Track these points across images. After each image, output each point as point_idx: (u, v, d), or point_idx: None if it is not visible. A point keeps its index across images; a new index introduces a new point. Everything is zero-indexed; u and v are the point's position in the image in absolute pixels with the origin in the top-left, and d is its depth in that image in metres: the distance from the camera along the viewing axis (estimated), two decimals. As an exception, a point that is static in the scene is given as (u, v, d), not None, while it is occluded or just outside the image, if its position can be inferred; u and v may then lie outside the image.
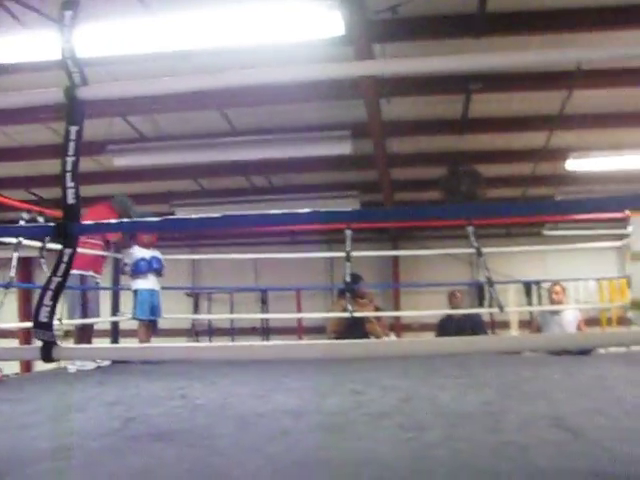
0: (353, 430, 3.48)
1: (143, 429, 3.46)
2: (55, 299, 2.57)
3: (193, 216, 4.02)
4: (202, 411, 4.04)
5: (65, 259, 2.58)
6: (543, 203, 8.84)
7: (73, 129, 2.57)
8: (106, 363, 6.72)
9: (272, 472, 2.74)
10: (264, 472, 2.76)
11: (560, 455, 2.83)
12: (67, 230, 2.63)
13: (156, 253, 7.55)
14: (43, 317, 2.53)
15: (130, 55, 5.91)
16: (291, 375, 6.07)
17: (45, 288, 2.56)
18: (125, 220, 6.21)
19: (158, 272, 7.55)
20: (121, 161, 8.77)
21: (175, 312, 10.41)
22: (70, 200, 2.62)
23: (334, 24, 5.31)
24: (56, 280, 2.55)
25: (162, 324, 7.78)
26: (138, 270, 7.36)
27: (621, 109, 8.15)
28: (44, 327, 2.54)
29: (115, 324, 8.10)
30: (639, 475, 2.47)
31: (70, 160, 2.55)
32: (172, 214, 11.57)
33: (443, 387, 5.04)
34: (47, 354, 2.60)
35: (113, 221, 5.52)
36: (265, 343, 8.62)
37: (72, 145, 2.55)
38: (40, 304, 2.56)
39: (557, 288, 8.65)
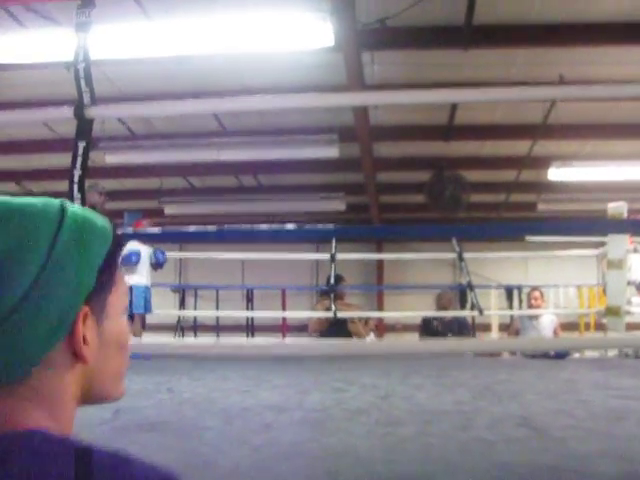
0: (332, 425, 3.68)
1: (132, 420, 3.63)
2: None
3: (190, 228, 4.22)
4: (189, 404, 4.21)
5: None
6: (525, 225, 9.09)
7: (81, 145, 2.75)
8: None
9: (256, 462, 2.93)
10: (248, 462, 2.95)
11: (523, 451, 3.04)
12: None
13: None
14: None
15: (125, 58, 6.06)
16: (274, 372, 6.25)
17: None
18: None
19: (161, 265, 7.74)
20: (113, 158, 8.92)
21: (161, 308, 10.55)
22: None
23: (324, 34, 5.49)
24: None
25: (149, 319, 7.93)
26: (127, 262, 7.48)
27: (603, 120, 8.37)
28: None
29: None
30: (592, 471, 2.69)
31: (77, 174, 2.73)
32: (161, 210, 11.73)
33: (420, 387, 5.23)
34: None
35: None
36: (250, 340, 8.82)
37: (80, 160, 2.73)
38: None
39: (536, 294, 8.87)
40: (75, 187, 2.73)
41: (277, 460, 2.96)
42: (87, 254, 0.78)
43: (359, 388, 5.10)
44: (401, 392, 4.90)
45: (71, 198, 2.76)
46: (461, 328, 8.85)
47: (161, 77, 7.28)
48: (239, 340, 9.31)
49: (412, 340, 7.61)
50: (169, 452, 2.90)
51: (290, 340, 9.02)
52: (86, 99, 2.84)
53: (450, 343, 4.54)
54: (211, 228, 3.90)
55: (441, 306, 9.39)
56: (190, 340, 8.77)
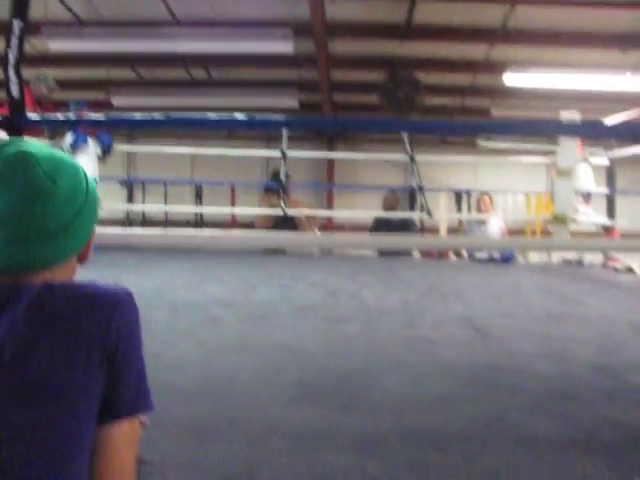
0: (279, 320, 3.73)
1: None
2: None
3: (136, 116, 4.11)
4: (137, 298, 4.22)
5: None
6: (479, 122, 9.06)
7: (17, 23, 2.61)
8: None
9: (201, 354, 2.97)
10: (195, 353, 2.99)
11: (464, 350, 3.14)
12: (14, 123, 2.71)
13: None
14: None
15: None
16: (222, 268, 6.30)
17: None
18: (70, 117, 6.16)
19: (108, 150, 7.56)
20: (57, 45, 8.55)
21: (109, 202, 10.41)
22: (14, 94, 2.69)
23: None
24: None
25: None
26: (80, 142, 7.28)
27: (560, 28, 8.29)
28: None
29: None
30: (530, 369, 2.79)
31: (13, 55, 2.60)
32: (109, 102, 11.43)
33: (368, 285, 5.33)
34: None
35: (59, 116, 5.50)
36: (199, 231, 8.81)
37: (16, 40, 2.59)
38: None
39: (485, 198, 8.97)
40: (11, 71, 2.60)
41: (223, 352, 3.00)
42: (96, 205, 1.26)
43: (307, 285, 5.17)
44: (348, 290, 4.98)
45: (7, 82, 2.64)
46: (406, 229, 8.94)
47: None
48: (187, 231, 9.29)
49: (360, 235, 7.68)
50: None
51: (240, 233, 9.04)
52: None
53: (397, 239, 4.59)
54: (158, 115, 3.78)
55: (388, 207, 9.44)
56: (138, 230, 8.72)
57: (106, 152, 7.61)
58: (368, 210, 10.74)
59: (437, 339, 3.33)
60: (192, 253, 7.37)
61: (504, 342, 3.29)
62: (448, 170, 13.08)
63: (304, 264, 7.05)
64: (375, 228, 9.26)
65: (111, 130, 8.73)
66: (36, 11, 7.93)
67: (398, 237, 5.76)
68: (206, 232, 7.57)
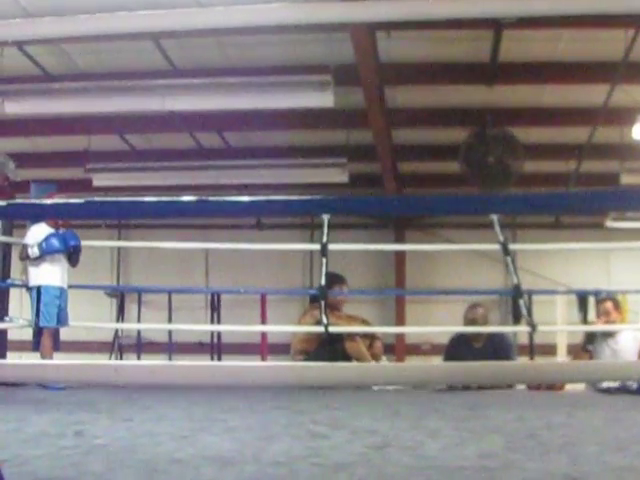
0: (294, 487, 3.64)
1: (14, 476, 3.60)
2: None
3: (121, 199, 4.17)
4: (100, 454, 4.18)
5: None
6: (603, 192, 8.97)
7: None
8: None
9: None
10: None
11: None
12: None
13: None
14: None
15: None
16: (235, 410, 6.24)
17: None
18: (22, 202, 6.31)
19: (75, 253, 7.69)
20: (15, 107, 8.82)
21: (91, 319, 10.56)
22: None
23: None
24: None
25: (74, 335, 7.90)
26: (50, 249, 7.44)
27: None
28: None
29: (2, 334, 8.22)
30: None
31: None
32: (88, 181, 11.68)
33: (436, 433, 5.20)
34: None
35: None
36: (207, 363, 8.79)
37: None
38: None
39: (607, 306, 8.79)
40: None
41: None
42: None
43: (348, 433, 5.07)
44: (406, 440, 4.87)
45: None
46: (499, 354, 8.79)
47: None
48: (191, 363, 9.30)
49: (434, 364, 7.53)
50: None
51: (261, 363, 8.99)
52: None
53: (483, 367, 4.50)
54: (154, 199, 3.79)
55: (470, 321, 9.28)
56: (116, 362, 8.72)
57: (72, 256, 7.74)
58: (452, 322, 10.65)
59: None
60: (198, 389, 7.35)
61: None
62: (566, 262, 12.96)
63: (351, 401, 6.96)
64: (452, 351, 9.14)
65: (92, 219, 8.91)
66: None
67: (482, 365, 5.65)
68: (217, 363, 7.56)
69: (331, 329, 7.85)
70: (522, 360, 9.50)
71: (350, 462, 4.15)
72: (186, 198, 3.53)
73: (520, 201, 6.10)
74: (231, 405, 6.48)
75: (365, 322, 9.38)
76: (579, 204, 6.09)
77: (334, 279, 8.34)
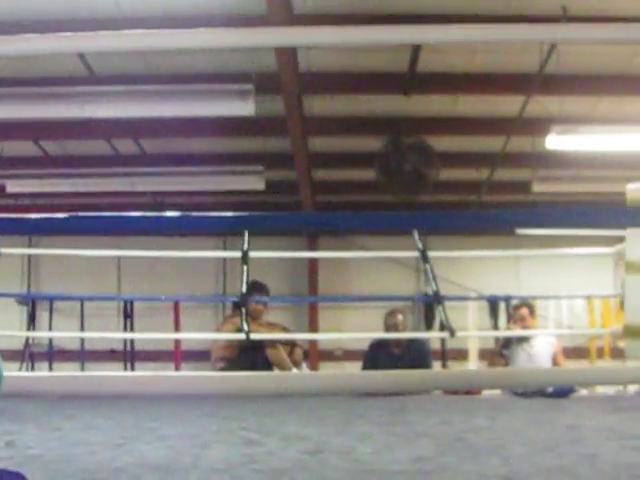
0: (239, 492, 3.68)
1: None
2: None
3: (31, 216, 4.14)
4: (36, 464, 4.16)
5: None
6: (516, 213, 9.14)
7: None
8: None
9: None
10: None
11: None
12: None
13: None
14: None
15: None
16: (163, 418, 6.23)
17: None
18: None
19: None
20: None
21: (1, 327, 10.41)
22: None
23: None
24: None
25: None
26: None
27: (621, 71, 8.47)
28: None
29: None
30: None
31: None
32: (2, 187, 11.55)
33: (366, 437, 5.28)
34: None
35: None
36: (127, 373, 8.77)
37: None
38: None
39: (523, 311, 8.96)
40: None
41: None
42: None
43: (280, 440, 5.12)
44: (338, 445, 4.93)
45: None
46: (417, 360, 8.90)
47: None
48: (111, 373, 9.24)
49: (355, 372, 7.61)
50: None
51: (184, 373, 8.98)
52: None
53: (406, 375, 4.59)
54: (59, 216, 3.75)
55: (391, 327, 9.36)
56: (38, 373, 8.60)
57: None
58: (366, 328, 10.74)
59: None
60: (118, 398, 7.31)
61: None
62: (477, 269, 13.18)
63: (277, 407, 7.00)
64: (371, 357, 9.22)
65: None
66: None
67: (408, 373, 5.77)
68: (136, 373, 7.52)
69: (252, 336, 7.90)
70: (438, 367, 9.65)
71: (288, 467, 4.20)
72: (103, 214, 3.53)
73: (435, 219, 6.24)
74: (158, 413, 6.48)
75: (286, 329, 9.43)
76: (488, 221, 6.25)
77: (255, 286, 8.39)
